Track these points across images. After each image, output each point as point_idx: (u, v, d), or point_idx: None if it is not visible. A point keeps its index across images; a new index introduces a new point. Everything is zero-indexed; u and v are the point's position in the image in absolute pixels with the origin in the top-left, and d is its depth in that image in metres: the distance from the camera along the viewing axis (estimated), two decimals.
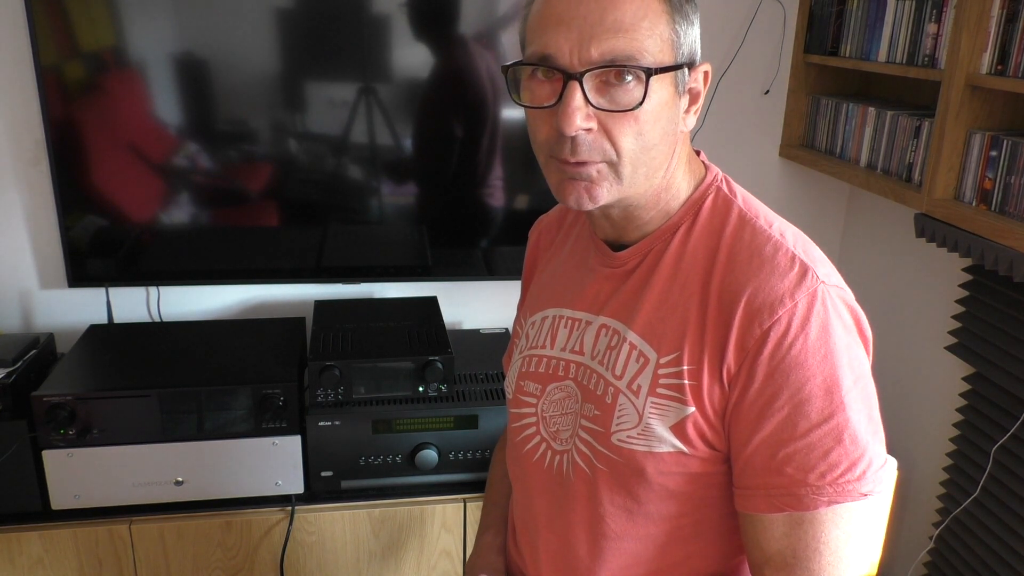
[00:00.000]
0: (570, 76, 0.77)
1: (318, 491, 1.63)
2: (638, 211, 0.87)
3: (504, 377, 1.09)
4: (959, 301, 1.69)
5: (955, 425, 1.73)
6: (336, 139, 1.77)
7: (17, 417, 1.51)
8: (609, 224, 0.90)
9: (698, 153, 0.92)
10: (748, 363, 0.79)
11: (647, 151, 0.80)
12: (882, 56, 1.67)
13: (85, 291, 1.88)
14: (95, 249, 1.77)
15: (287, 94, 1.73)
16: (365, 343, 1.69)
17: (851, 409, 0.78)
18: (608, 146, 0.79)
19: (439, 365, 1.63)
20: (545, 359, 0.96)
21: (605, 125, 0.78)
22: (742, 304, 0.80)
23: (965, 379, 1.70)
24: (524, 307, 1.06)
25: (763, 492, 0.81)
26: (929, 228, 1.55)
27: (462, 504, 1.66)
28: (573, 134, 0.77)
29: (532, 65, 0.80)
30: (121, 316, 1.89)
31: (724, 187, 0.89)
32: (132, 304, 1.91)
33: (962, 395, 1.71)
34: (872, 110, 1.72)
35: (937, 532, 1.77)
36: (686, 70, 0.81)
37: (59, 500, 1.55)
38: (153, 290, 1.91)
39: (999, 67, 1.38)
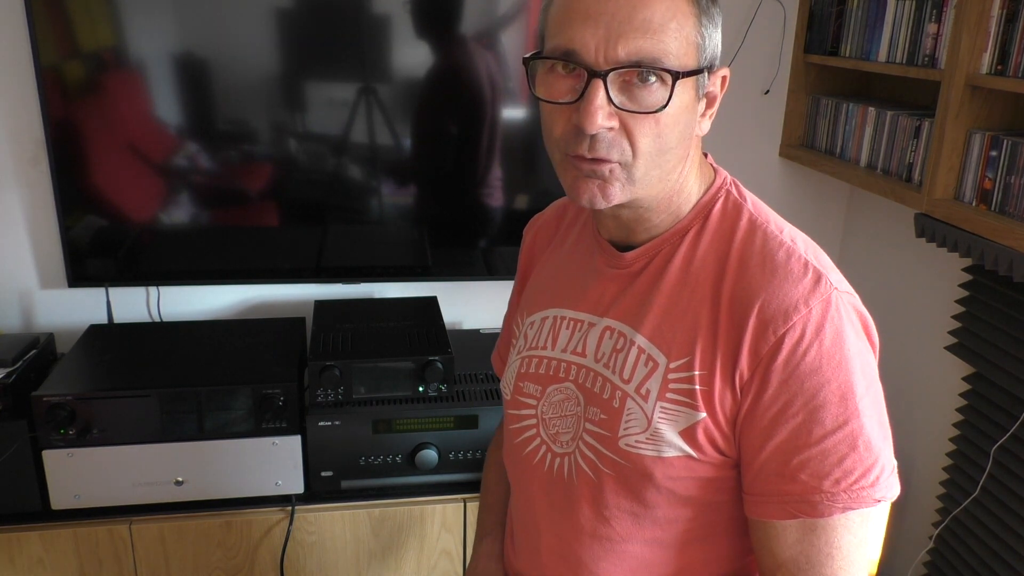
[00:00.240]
0: (594, 74, 0.75)
1: (318, 491, 1.63)
2: (649, 213, 0.87)
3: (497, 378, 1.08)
4: (959, 301, 1.69)
5: (955, 425, 1.73)
6: (336, 139, 1.77)
7: (17, 417, 1.51)
8: (617, 225, 0.90)
9: (706, 156, 0.92)
10: (762, 369, 0.79)
11: (663, 153, 0.80)
12: (882, 56, 1.67)
13: (85, 291, 1.88)
14: (95, 249, 1.77)
15: (287, 94, 1.73)
16: (365, 343, 1.69)
17: (864, 415, 0.78)
18: (626, 145, 0.78)
19: (439, 365, 1.63)
20: (545, 360, 0.95)
21: (626, 125, 0.77)
22: (755, 310, 0.79)
23: (965, 379, 1.70)
24: (521, 307, 1.05)
25: (776, 499, 0.80)
26: (929, 228, 1.55)
27: (462, 504, 1.66)
28: (594, 132, 0.76)
29: (554, 59, 0.78)
30: (121, 316, 1.89)
31: (734, 191, 0.89)
32: (132, 304, 1.91)
33: (962, 395, 1.71)
34: (872, 110, 1.72)
35: (937, 532, 1.77)
36: (706, 74, 0.81)
37: (59, 500, 1.55)
38: (153, 290, 1.91)
39: (999, 67, 1.38)
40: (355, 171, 1.82)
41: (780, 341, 0.78)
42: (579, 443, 0.90)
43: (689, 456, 0.83)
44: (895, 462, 0.82)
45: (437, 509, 1.65)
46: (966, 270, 1.67)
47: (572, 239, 1.01)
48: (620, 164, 0.79)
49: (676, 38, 0.76)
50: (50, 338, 1.74)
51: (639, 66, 0.75)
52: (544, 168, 1.86)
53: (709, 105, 0.84)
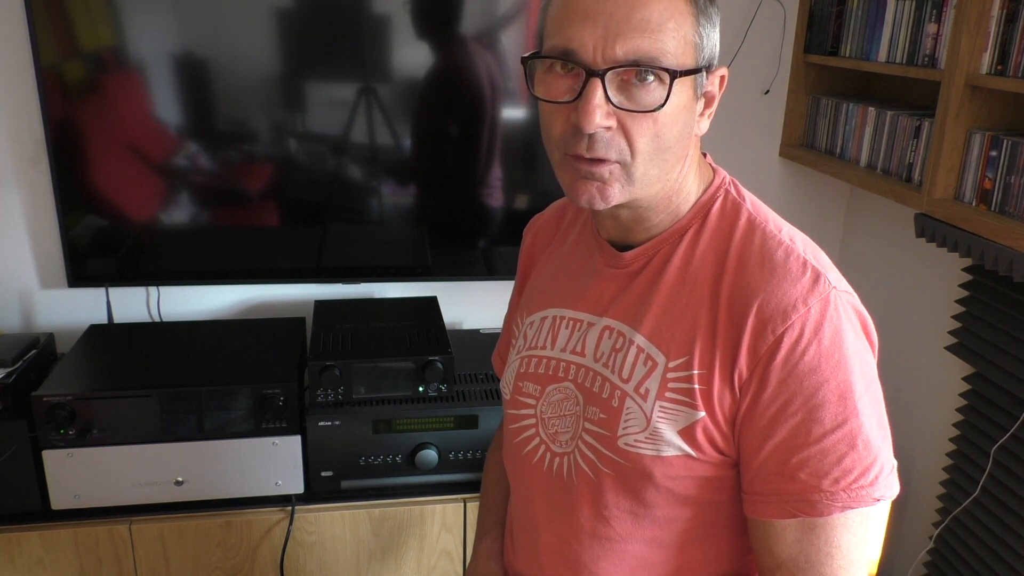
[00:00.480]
0: (592, 73, 0.75)
1: (318, 491, 1.63)
2: (648, 213, 0.87)
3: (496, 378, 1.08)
4: (959, 301, 1.69)
5: (955, 425, 1.73)
6: (336, 139, 1.77)
7: (17, 417, 1.51)
8: (616, 225, 0.90)
9: (704, 155, 0.92)
10: (760, 368, 0.79)
11: (661, 153, 0.80)
12: (882, 56, 1.67)
13: (85, 291, 1.88)
14: (95, 249, 1.77)
15: (287, 94, 1.73)
16: (365, 343, 1.69)
17: (863, 414, 0.78)
18: (624, 145, 0.78)
19: (439, 365, 1.63)
20: (544, 360, 0.95)
21: (624, 124, 0.78)
22: (754, 309, 0.79)
23: (965, 379, 1.70)
24: (521, 307, 1.05)
25: (776, 498, 0.80)
26: (929, 228, 1.55)
27: (462, 504, 1.66)
28: (592, 131, 0.76)
29: (552, 58, 0.79)
30: (121, 316, 1.89)
31: (732, 190, 0.89)
32: (132, 304, 1.91)
33: (962, 395, 1.71)
34: (872, 110, 1.72)
35: (937, 532, 1.77)
36: (704, 73, 0.81)
37: (59, 500, 1.55)
38: (153, 290, 1.91)
39: (999, 67, 1.38)
40: (355, 171, 1.82)
41: (779, 340, 0.78)
42: (578, 443, 0.90)
43: (688, 455, 0.83)
44: (894, 461, 0.82)
45: (437, 509, 1.65)
46: (966, 270, 1.67)
47: (572, 239, 1.01)
48: (619, 164, 0.79)
49: (674, 37, 0.76)
50: (50, 338, 1.74)
51: (637, 65, 0.75)
52: (544, 168, 1.86)
53: (707, 105, 0.84)
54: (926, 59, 1.54)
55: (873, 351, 0.84)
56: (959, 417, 1.73)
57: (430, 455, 1.64)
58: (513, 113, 1.81)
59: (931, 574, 1.82)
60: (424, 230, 1.89)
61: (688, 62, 0.78)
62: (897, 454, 0.84)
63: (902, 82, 1.84)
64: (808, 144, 2.01)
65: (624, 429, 0.85)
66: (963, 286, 1.68)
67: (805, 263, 0.81)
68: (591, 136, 0.77)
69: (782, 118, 2.05)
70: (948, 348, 1.73)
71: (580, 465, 0.90)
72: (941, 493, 1.78)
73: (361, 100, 1.75)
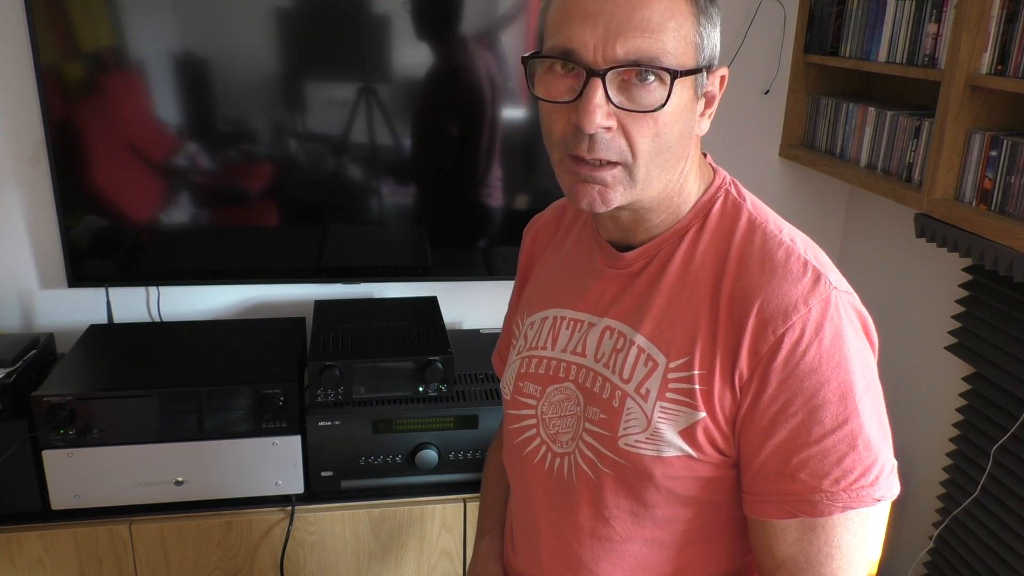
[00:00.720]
0: (593, 73, 0.75)
1: (318, 491, 1.63)
2: (649, 214, 0.87)
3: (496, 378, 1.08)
4: (959, 301, 1.69)
5: (955, 425, 1.73)
6: (336, 139, 1.77)
7: (17, 417, 1.51)
8: (616, 225, 0.90)
9: (705, 155, 0.92)
10: (761, 369, 0.79)
11: (662, 153, 0.80)
12: (882, 56, 1.67)
13: (85, 291, 1.88)
14: (95, 249, 1.77)
15: (287, 94, 1.73)
16: (365, 343, 1.69)
17: (864, 415, 0.78)
18: (625, 146, 0.78)
19: (439, 365, 1.63)
20: (545, 360, 0.95)
21: (624, 124, 0.77)
22: (755, 309, 0.79)
23: (965, 379, 1.70)
24: (521, 307, 1.05)
25: (776, 498, 0.80)
26: (929, 228, 1.55)
27: (462, 504, 1.66)
28: (593, 132, 0.76)
29: (553, 58, 0.78)
30: (121, 316, 1.89)
31: (733, 191, 0.89)
32: (132, 304, 1.91)
33: (962, 395, 1.71)
34: (872, 110, 1.72)
35: (937, 532, 1.77)
36: (705, 73, 0.81)
37: (59, 500, 1.55)
38: (153, 290, 1.91)
39: (999, 67, 1.38)
40: (355, 171, 1.82)
41: (779, 340, 0.78)
42: (579, 443, 0.90)
43: (689, 456, 0.83)
44: (895, 461, 0.82)
45: (437, 509, 1.65)
46: (966, 270, 1.67)
47: (572, 239, 1.01)
48: (621, 166, 0.79)
49: (674, 37, 0.76)
50: (50, 338, 1.74)
51: (637, 65, 0.75)
52: (544, 168, 1.86)
53: (708, 105, 0.84)
54: (926, 59, 1.54)
55: (873, 351, 0.84)
56: (959, 417, 1.73)
57: (430, 455, 1.64)
58: (513, 113, 1.81)
59: (931, 574, 1.82)
60: (424, 230, 1.89)
61: (689, 62, 0.78)
62: (897, 454, 0.84)
63: (902, 82, 1.84)
64: (808, 144, 2.01)
65: (625, 429, 0.85)
66: (963, 286, 1.68)
67: (806, 263, 0.81)
68: (592, 136, 0.77)
69: (782, 118, 2.05)
70: (948, 348, 1.73)
71: (580, 465, 0.90)
72: (941, 493, 1.78)
73: (361, 100, 1.75)
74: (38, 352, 1.65)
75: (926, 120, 1.56)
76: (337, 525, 1.63)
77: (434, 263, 1.91)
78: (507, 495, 1.13)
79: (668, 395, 0.83)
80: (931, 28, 1.52)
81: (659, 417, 0.83)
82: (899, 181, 1.64)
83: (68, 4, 1.60)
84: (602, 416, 0.87)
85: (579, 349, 0.92)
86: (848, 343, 0.78)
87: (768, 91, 2.03)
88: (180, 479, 1.57)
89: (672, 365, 0.83)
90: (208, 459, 1.57)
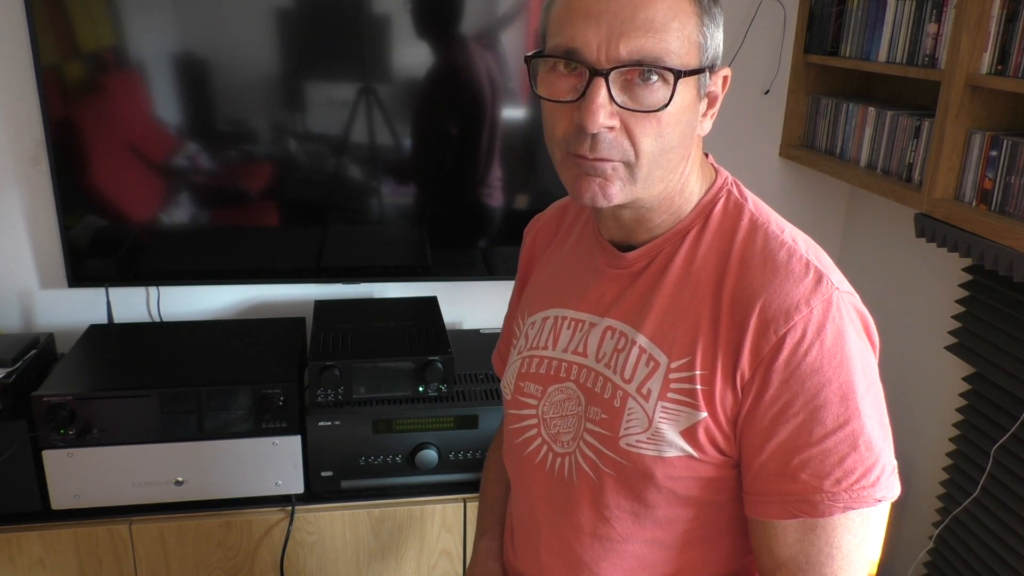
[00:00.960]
0: (596, 72, 0.75)
1: (318, 491, 1.63)
2: (650, 213, 0.87)
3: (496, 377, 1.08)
4: (959, 301, 1.69)
5: (955, 425, 1.73)
6: (336, 139, 1.77)
7: (17, 417, 1.51)
8: (617, 225, 0.90)
9: (706, 156, 0.92)
10: (763, 369, 0.79)
11: (665, 153, 0.80)
12: (882, 56, 1.67)
13: (85, 291, 1.88)
14: (95, 249, 1.77)
15: (287, 94, 1.73)
16: (365, 343, 1.69)
17: (865, 415, 0.78)
18: (628, 145, 0.78)
19: (439, 365, 1.63)
20: (546, 360, 0.95)
21: (627, 124, 0.77)
22: (756, 310, 0.79)
23: (965, 379, 1.70)
24: (522, 307, 1.05)
25: (777, 498, 0.80)
26: (929, 228, 1.55)
27: (462, 504, 1.66)
28: (595, 131, 0.76)
29: (556, 58, 0.78)
30: (121, 316, 1.89)
31: (735, 191, 0.89)
32: (132, 304, 1.91)
33: (962, 395, 1.71)
34: (872, 110, 1.72)
35: (937, 532, 1.77)
36: (708, 73, 0.81)
37: (59, 500, 1.55)
38: (153, 290, 1.91)
39: (999, 67, 1.38)
40: (355, 171, 1.82)
41: (781, 341, 0.78)
42: (580, 443, 0.90)
43: (690, 456, 0.83)
44: (895, 462, 0.82)
45: (437, 509, 1.65)
46: (966, 270, 1.67)
47: (573, 239, 1.01)
48: (623, 163, 0.79)
49: (678, 37, 0.76)
50: (50, 338, 1.74)
51: (641, 65, 0.75)
52: (544, 168, 1.86)
53: (710, 105, 0.84)
54: (926, 59, 1.54)
55: (875, 352, 0.84)
56: (959, 417, 1.73)
57: (430, 455, 1.64)
58: (513, 113, 1.81)
59: (931, 574, 1.82)
60: (424, 230, 1.89)
61: (692, 62, 0.78)
62: (897, 454, 0.84)
63: (902, 82, 1.84)
64: (808, 144, 2.01)
65: (626, 429, 0.85)
66: (963, 286, 1.68)
67: (808, 264, 0.81)
68: (594, 136, 0.77)
69: (782, 118, 2.05)
70: (948, 348, 1.73)
71: (581, 465, 0.90)
72: (941, 493, 1.79)
73: (361, 100, 1.75)
74: (38, 352, 1.65)
75: (926, 120, 1.56)
76: (337, 525, 1.63)
77: (434, 263, 1.91)
78: (506, 495, 1.13)
79: (669, 395, 0.83)
80: (931, 28, 1.52)
81: (660, 417, 0.83)
82: (899, 181, 1.64)
83: (68, 4, 1.60)
84: (603, 416, 0.87)
85: (580, 349, 0.92)
86: (850, 344, 0.78)
87: (768, 91, 2.03)
88: (180, 479, 1.57)
89: (673, 365, 0.83)
90: (208, 459, 1.57)
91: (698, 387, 0.82)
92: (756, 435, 0.80)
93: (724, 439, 0.82)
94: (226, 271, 1.85)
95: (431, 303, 1.92)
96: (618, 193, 0.81)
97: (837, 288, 0.80)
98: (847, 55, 1.79)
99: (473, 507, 1.66)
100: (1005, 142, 1.38)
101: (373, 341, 1.70)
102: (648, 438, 0.83)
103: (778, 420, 0.79)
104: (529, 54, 0.82)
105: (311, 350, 1.65)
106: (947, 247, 1.51)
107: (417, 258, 1.90)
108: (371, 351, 1.65)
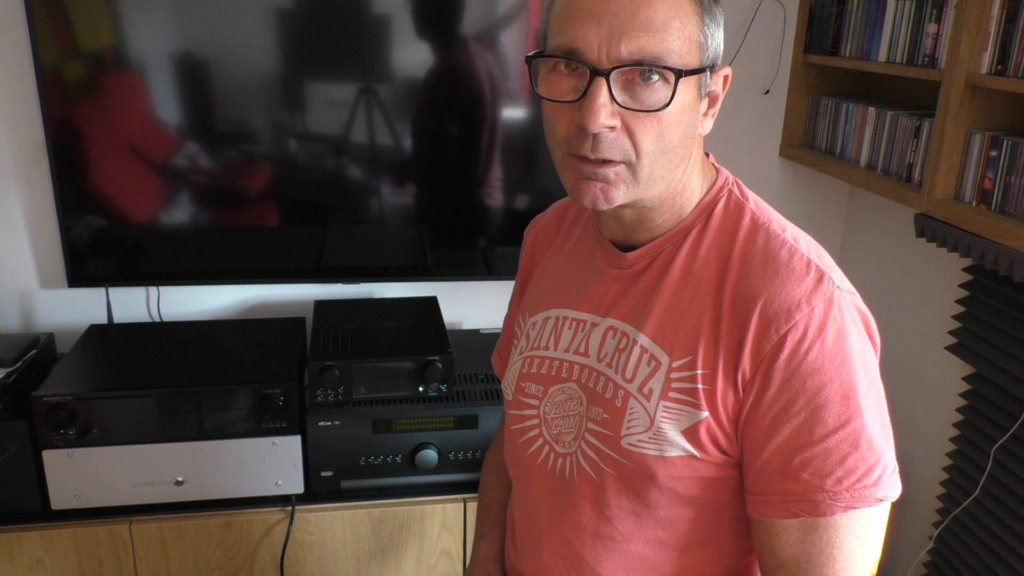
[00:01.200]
0: (597, 72, 0.75)
1: (318, 491, 1.63)
2: (651, 213, 0.87)
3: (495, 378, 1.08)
4: (959, 301, 1.69)
5: (955, 425, 1.73)
6: (336, 139, 1.78)
7: (17, 417, 1.51)
8: (619, 225, 0.90)
9: (707, 155, 0.92)
10: (764, 368, 0.79)
11: (666, 153, 0.80)
12: (882, 56, 1.67)
13: (85, 291, 1.88)
14: (95, 249, 1.77)
15: (287, 94, 1.73)
16: (365, 343, 1.69)
17: (866, 414, 0.78)
18: (629, 145, 0.78)
19: (439, 365, 1.63)
20: (548, 360, 0.95)
21: (628, 124, 0.77)
22: (758, 309, 0.79)
23: (965, 379, 1.70)
24: (523, 307, 1.05)
25: (778, 498, 0.80)
26: (929, 228, 1.55)
27: (462, 504, 1.66)
28: (596, 131, 0.76)
29: (557, 58, 0.78)
30: (121, 316, 1.89)
31: (736, 190, 0.89)
32: (132, 304, 1.91)
33: (962, 395, 1.71)
34: (872, 110, 1.72)
35: (937, 532, 1.77)
36: (708, 73, 0.81)
37: (59, 500, 1.55)
38: (153, 290, 1.91)
39: (999, 67, 1.38)
40: (355, 171, 1.82)
41: (782, 340, 0.78)
42: (581, 443, 0.90)
43: (691, 455, 0.83)
44: (896, 462, 0.82)
45: (437, 509, 1.65)
46: (966, 270, 1.67)
47: (574, 239, 1.01)
48: (625, 164, 0.79)
49: (679, 37, 0.76)
50: (50, 338, 1.74)
51: (641, 64, 0.75)
52: (544, 168, 1.86)
53: (711, 105, 0.84)
54: (926, 59, 1.54)
55: (876, 351, 0.84)
56: (959, 417, 1.73)
57: (430, 455, 1.64)
58: (513, 113, 1.81)
59: (931, 574, 1.82)
60: (424, 230, 1.89)
61: (693, 62, 0.78)
62: (897, 454, 0.84)
63: (902, 82, 1.84)
64: (808, 144, 2.01)
65: (627, 429, 0.85)
66: (963, 286, 1.68)
67: (809, 263, 0.81)
68: (595, 136, 0.77)
69: (782, 118, 2.05)
70: (948, 348, 1.73)
71: (583, 465, 0.90)
72: (941, 493, 1.79)
73: (361, 100, 1.75)
74: (38, 352, 1.65)
75: (926, 120, 1.56)
76: (337, 525, 1.63)
77: (434, 263, 1.91)
78: (505, 497, 1.13)
79: (671, 395, 0.83)
80: (931, 28, 1.52)
81: (662, 417, 0.83)
82: (899, 181, 1.64)
83: (68, 4, 1.60)
84: (605, 416, 0.87)
85: (582, 349, 0.92)
86: (851, 343, 0.78)
87: (768, 91, 2.03)
88: (180, 479, 1.57)
89: (675, 365, 0.83)
90: (208, 459, 1.57)
91: (699, 386, 0.82)
92: (757, 434, 0.80)
93: (725, 438, 0.82)
94: (226, 271, 1.85)
95: (431, 303, 1.92)
96: (620, 196, 0.81)
97: (838, 287, 0.80)
98: (847, 55, 1.79)
99: (473, 507, 1.66)
100: (1005, 142, 1.38)
101: (373, 341, 1.70)
102: (650, 438, 0.83)
103: (779, 419, 0.79)
104: (530, 54, 0.82)
105: (311, 350, 1.65)
106: (947, 247, 1.51)
107: (417, 258, 1.90)
108: (371, 351, 1.65)
